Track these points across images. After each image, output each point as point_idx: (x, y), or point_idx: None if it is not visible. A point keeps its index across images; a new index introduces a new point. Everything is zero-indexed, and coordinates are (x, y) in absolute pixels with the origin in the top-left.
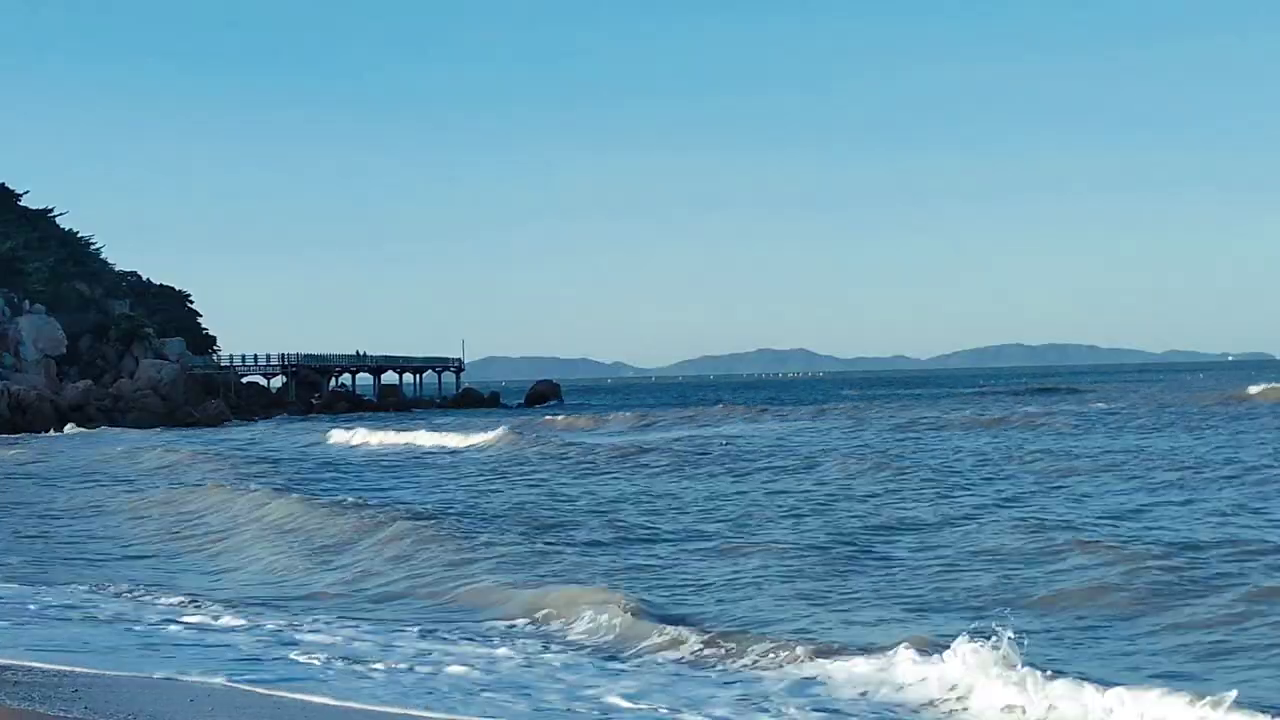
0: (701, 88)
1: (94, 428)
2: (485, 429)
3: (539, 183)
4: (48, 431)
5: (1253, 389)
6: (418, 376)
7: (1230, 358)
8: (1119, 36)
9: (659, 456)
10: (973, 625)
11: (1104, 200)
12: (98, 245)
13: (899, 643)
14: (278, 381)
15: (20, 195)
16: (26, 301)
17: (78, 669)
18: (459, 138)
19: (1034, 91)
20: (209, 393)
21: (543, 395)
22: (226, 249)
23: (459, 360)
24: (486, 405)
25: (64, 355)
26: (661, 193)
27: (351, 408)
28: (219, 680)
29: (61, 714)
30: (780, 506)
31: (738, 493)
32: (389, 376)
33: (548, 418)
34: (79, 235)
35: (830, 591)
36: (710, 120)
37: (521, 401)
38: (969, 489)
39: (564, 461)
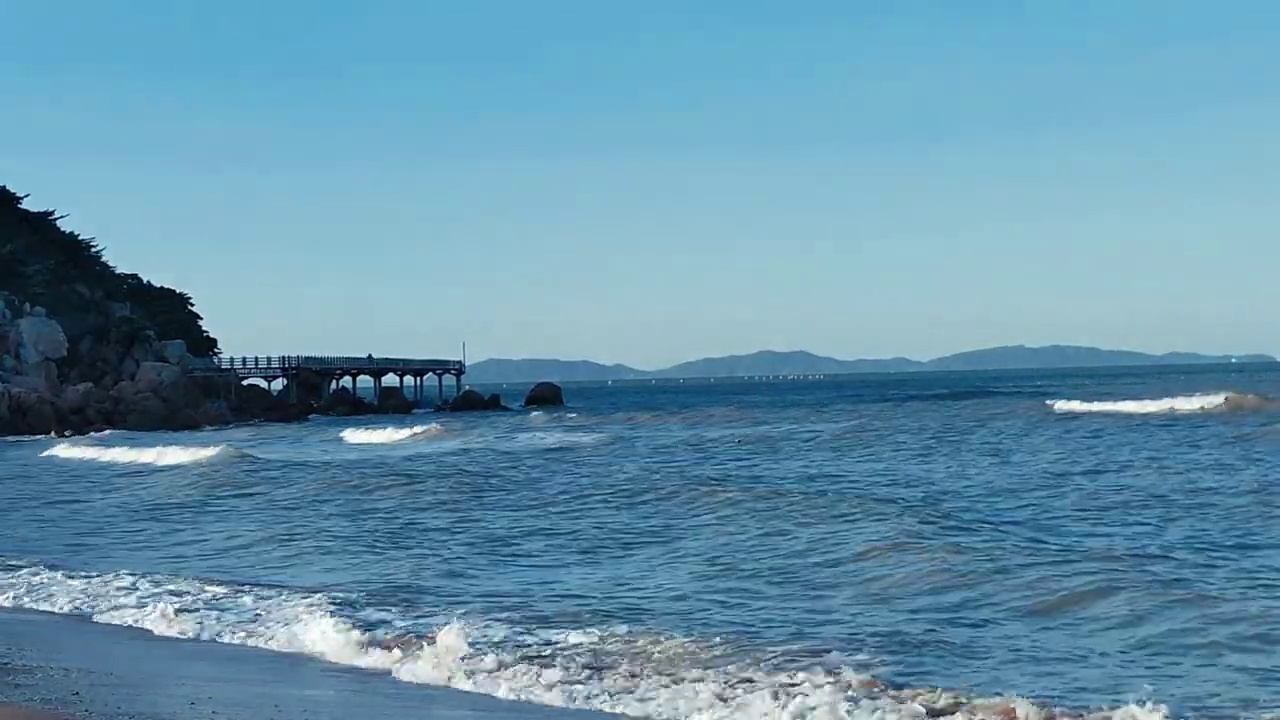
0: (701, 89)
1: (91, 431)
2: (207, 445)
3: (539, 184)
4: (49, 434)
5: (1060, 404)
6: (418, 379)
7: (1234, 359)
8: (1119, 36)
9: (347, 474)
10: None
11: (1105, 201)
12: (98, 248)
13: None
14: (279, 384)
15: (21, 198)
16: (27, 304)
17: (78, 668)
18: (459, 138)
19: (1035, 92)
20: (209, 395)
21: (543, 397)
22: (227, 251)
23: (460, 363)
24: (487, 407)
25: (64, 358)
26: (662, 194)
27: (352, 410)
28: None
29: (61, 714)
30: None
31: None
32: (390, 379)
33: (348, 431)
34: (80, 238)
35: None
36: (710, 121)
37: (522, 404)
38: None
39: (231, 487)
